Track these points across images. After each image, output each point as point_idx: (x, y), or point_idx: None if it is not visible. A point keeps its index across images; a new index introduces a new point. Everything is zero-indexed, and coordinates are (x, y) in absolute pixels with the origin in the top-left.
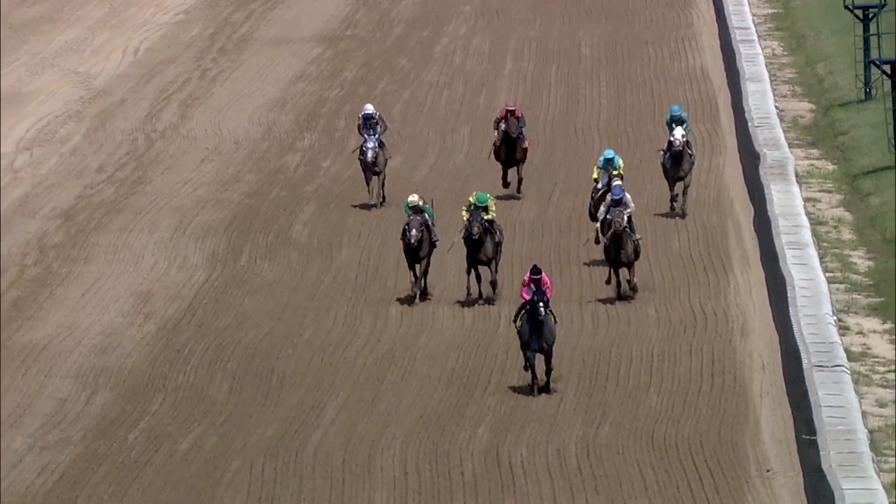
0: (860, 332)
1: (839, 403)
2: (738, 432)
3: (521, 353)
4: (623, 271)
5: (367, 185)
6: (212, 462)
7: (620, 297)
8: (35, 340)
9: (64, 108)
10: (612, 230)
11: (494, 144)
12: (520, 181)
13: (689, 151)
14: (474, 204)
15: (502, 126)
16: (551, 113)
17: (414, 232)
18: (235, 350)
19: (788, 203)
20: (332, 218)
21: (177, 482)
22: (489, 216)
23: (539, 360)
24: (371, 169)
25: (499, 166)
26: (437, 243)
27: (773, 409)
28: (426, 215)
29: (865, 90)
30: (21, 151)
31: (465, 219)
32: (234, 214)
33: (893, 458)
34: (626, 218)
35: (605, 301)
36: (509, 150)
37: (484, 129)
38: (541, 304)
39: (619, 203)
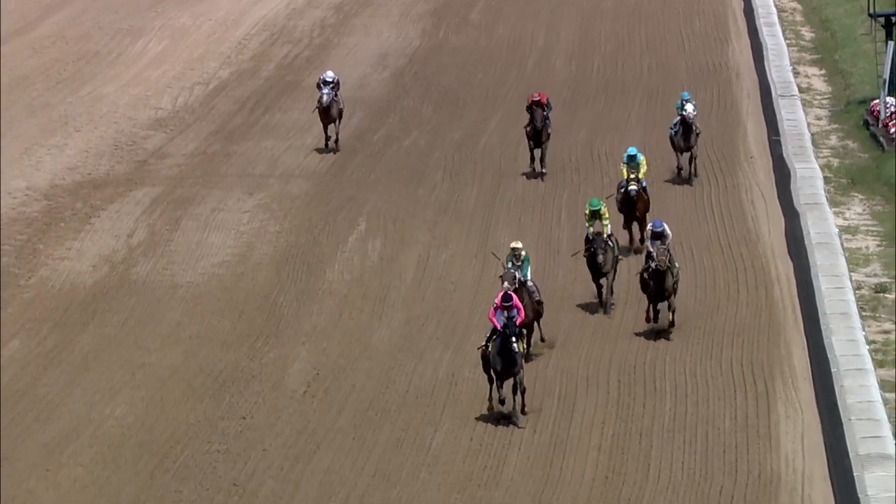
0: (806, 76)
1: (793, 118)
2: (734, 134)
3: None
4: (662, 305)
5: (325, 131)
6: (422, 153)
7: (660, 331)
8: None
9: None
10: (654, 266)
11: (525, 127)
12: (542, 158)
13: (695, 124)
14: (589, 210)
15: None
16: None
17: (507, 284)
18: (437, 87)
19: None
20: (497, 7)
21: (402, 164)
22: (605, 225)
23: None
24: (327, 116)
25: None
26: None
27: (755, 122)
28: (521, 271)
29: None
30: None
31: (587, 228)
32: (436, 6)
33: (826, 150)
34: (668, 256)
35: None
36: (536, 135)
37: None
38: (513, 338)
39: (659, 236)
